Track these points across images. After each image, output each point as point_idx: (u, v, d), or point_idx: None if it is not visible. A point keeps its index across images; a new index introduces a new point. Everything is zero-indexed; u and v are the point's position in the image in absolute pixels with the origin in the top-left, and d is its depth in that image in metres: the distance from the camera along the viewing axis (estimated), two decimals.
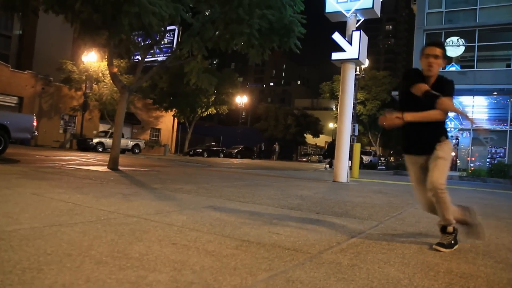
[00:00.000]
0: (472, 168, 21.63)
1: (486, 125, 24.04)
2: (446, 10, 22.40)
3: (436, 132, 2.92)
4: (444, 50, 2.94)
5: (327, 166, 21.61)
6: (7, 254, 1.93)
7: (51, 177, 5.99)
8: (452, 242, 2.80)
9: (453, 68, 22.36)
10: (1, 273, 1.66)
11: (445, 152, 2.84)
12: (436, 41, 2.99)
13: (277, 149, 44.64)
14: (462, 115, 3.11)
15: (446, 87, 2.87)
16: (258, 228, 3.07)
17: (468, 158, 22.67)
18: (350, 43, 9.89)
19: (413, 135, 2.97)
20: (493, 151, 22.56)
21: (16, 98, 28.85)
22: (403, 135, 3.05)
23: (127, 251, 2.14)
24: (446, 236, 2.83)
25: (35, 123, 11.53)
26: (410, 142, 3.01)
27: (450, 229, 2.82)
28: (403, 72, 3.20)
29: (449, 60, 22.42)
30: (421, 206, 3.09)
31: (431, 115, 2.80)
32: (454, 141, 23.55)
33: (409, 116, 2.82)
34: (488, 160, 22.28)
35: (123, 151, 26.92)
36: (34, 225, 2.62)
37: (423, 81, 2.86)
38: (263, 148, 39.19)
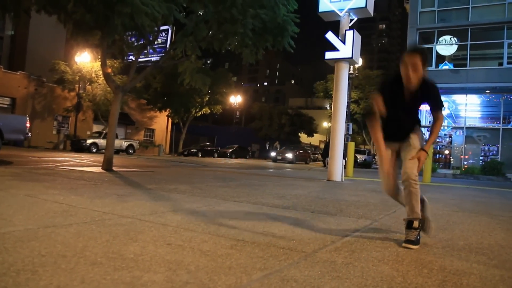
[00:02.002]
0: (466, 166, 21.78)
1: (479, 123, 24.22)
2: (438, 9, 22.52)
3: (413, 123, 3.00)
4: (425, 56, 2.77)
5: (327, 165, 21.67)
6: (1, 256, 1.92)
7: (45, 178, 5.96)
8: (418, 237, 2.81)
9: (446, 67, 22.48)
10: None
11: (418, 141, 2.93)
12: (412, 47, 2.85)
13: (278, 148, 44.61)
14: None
15: (432, 96, 2.89)
16: (253, 227, 3.08)
17: (462, 156, 22.81)
18: (344, 43, 9.92)
19: (395, 126, 2.99)
20: (486, 149, 22.73)
21: (8, 99, 28.65)
22: (385, 124, 3.01)
23: (122, 251, 2.14)
24: (412, 232, 2.82)
25: (28, 124, 11.45)
26: (391, 131, 3.00)
27: (416, 224, 2.82)
28: (382, 80, 3.21)
29: (442, 58, 22.55)
30: (385, 188, 3.07)
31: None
32: (447, 139, 23.70)
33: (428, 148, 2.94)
34: (481, 158, 22.44)
35: (117, 151, 26.82)
36: (28, 227, 2.61)
37: (402, 87, 2.85)
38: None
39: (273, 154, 35.46)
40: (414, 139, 2.96)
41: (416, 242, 2.77)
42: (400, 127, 2.99)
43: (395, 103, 2.92)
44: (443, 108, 2.95)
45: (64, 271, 1.76)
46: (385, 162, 3.00)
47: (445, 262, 2.37)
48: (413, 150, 2.89)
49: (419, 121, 3.09)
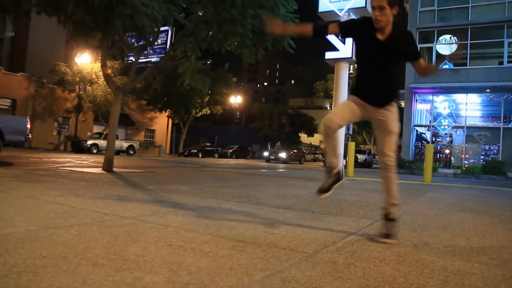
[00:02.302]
0: (466, 165, 21.78)
1: (480, 123, 24.22)
2: (438, 8, 22.53)
3: (389, 82, 2.82)
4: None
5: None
6: (2, 257, 1.92)
7: (45, 179, 5.96)
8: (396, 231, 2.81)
9: (446, 66, 22.49)
10: None
11: (396, 125, 2.85)
12: None
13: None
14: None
15: (408, 41, 2.77)
16: (253, 228, 3.08)
17: (462, 156, 22.82)
18: (344, 42, 9.93)
19: (367, 81, 2.86)
20: (486, 148, 22.73)
21: (9, 100, 28.69)
22: (357, 78, 2.94)
23: (123, 253, 2.14)
24: (391, 223, 2.83)
25: (28, 126, 11.47)
26: (362, 87, 2.89)
27: (396, 215, 2.84)
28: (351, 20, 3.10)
29: (442, 58, 22.54)
30: (330, 123, 2.86)
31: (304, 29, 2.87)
32: (448, 138, 23.70)
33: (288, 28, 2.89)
34: (482, 157, 22.45)
35: (118, 152, 26.83)
36: (29, 228, 2.61)
37: (375, 31, 2.73)
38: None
39: (265, 154, 34.43)
40: (391, 117, 2.83)
41: (395, 235, 2.76)
42: (374, 82, 2.82)
43: (366, 51, 2.80)
44: (421, 55, 2.81)
45: (66, 272, 1.76)
46: (340, 111, 2.94)
47: (446, 262, 2.37)
48: (392, 136, 2.83)
49: (397, 85, 2.94)
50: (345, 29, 2.96)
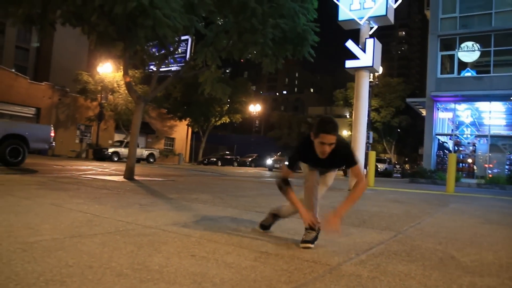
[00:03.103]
0: (490, 175, 21.25)
1: (504, 131, 23.63)
2: (460, 15, 22.18)
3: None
4: (338, 133, 2.79)
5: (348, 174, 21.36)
6: (30, 265, 1.96)
7: (69, 187, 6.07)
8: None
9: (468, 74, 22.10)
10: (26, 285, 1.69)
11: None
12: (329, 128, 2.73)
13: None
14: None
15: (349, 156, 3.00)
16: (275, 239, 3.06)
17: (486, 165, 22.29)
18: (364, 51, 9.86)
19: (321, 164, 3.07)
20: (511, 157, 22.17)
21: (34, 109, 29.43)
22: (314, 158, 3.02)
23: (147, 263, 2.15)
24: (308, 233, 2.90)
25: (52, 134, 11.73)
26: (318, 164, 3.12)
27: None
28: (298, 144, 3.18)
29: (464, 65, 22.18)
30: (309, 184, 3.25)
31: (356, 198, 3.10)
32: (471, 147, 23.21)
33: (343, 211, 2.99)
34: (506, 167, 21.87)
35: (138, 160, 27.14)
36: (55, 236, 2.65)
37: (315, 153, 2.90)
38: None
39: (269, 162, 32.22)
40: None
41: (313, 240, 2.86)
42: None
43: (312, 163, 3.13)
44: (357, 162, 2.99)
45: (91, 282, 1.78)
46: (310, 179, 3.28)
47: (475, 278, 2.30)
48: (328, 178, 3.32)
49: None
50: (296, 163, 3.26)
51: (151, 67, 16.02)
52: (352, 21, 10.35)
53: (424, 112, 22.73)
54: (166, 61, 10.46)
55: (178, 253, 2.41)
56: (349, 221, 4.27)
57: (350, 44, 10.05)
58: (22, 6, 7.83)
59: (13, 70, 30.02)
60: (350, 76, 11.33)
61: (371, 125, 30.45)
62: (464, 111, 23.29)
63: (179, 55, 21.08)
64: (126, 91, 21.51)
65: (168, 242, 2.71)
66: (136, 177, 9.12)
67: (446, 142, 24.01)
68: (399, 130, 42.67)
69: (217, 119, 39.37)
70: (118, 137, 33.42)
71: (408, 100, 27.11)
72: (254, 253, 2.53)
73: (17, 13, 7.98)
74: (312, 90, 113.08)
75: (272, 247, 2.74)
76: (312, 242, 2.84)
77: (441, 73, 22.52)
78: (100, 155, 26.54)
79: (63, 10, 8.14)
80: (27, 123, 17.77)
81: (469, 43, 22.00)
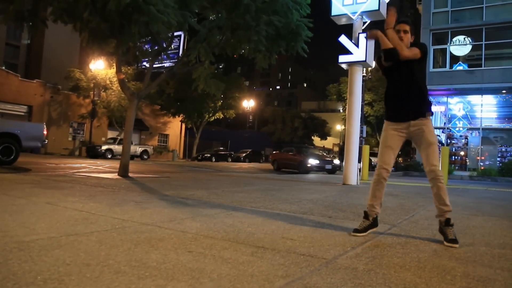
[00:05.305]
0: (482, 168, 21.45)
1: (496, 124, 23.84)
2: (452, 9, 22.28)
3: (421, 101, 3.14)
4: (412, 27, 3.25)
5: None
6: (27, 265, 1.96)
7: (63, 185, 6.05)
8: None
9: (460, 67, 22.23)
10: (24, 284, 1.69)
11: (433, 136, 3.09)
12: (404, 19, 3.29)
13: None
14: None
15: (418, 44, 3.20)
16: (272, 234, 3.08)
17: (478, 158, 22.48)
18: (357, 46, 9.87)
19: (398, 101, 3.17)
20: (503, 150, 22.39)
21: (25, 107, 29.18)
22: (387, 100, 3.29)
23: (145, 260, 2.17)
24: (451, 228, 2.98)
25: (45, 132, 11.65)
26: (394, 107, 3.22)
27: (452, 220, 3.01)
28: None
29: (456, 59, 22.29)
30: (381, 169, 3.30)
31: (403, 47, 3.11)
32: (463, 140, 23.39)
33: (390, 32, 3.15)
34: (498, 159, 22.09)
35: (132, 157, 27.03)
36: (51, 235, 2.65)
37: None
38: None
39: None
40: (428, 128, 3.10)
41: (456, 239, 2.92)
42: (404, 96, 3.14)
43: (392, 74, 3.23)
44: (423, 50, 3.14)
45: (90, 280, 1.79)
46: (385, 156, 3.28)
47: (468, 268, 2.34)
48: (432, 146, 3.06)
49: (429, 103, 3.20)
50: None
51: (144, 63, 15.95)
52: (345, 15, 10.34)
53: None
54: (160, 58, 10.41)
55: (175, 250, 2.42)
56: (344, 215, 4.31)
57: (343, 39, 10.05)
58: (13, 3, 7.75)
59: (3, 67, 29.71)
60: (343, 71, 11.34)
61: (364, 119, 30.52)
62: (456, 105, 23.44)
63: (172, 51, 20.96)
64: (119, 88, 21.41)
65: (164, 238, 2.72)
66: (130, 174, 9.11)
67: (439, 135, 24.16)
68: None
69: (210, 115, 39.26)
70: (111, 134, 33.25)
71: None
72: (251, 248, 2.55)
73: (8, 10, 7.91)
74: (305, 85, 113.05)
75: (268, 242, 2.76)
76: (457, 240, 2.93)
77: (433, 67, 22.63)
78: (93, 152, 26.42)
79: (55, 7, 8.07)
80: (19, 121, 17.62)
81: (461, 37, 22.11)
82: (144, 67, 17.67)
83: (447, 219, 3.00)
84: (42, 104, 30.08)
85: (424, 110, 3.10)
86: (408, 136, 3.20)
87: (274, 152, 22.69)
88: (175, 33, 10.36)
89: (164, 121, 40.68)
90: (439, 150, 18.76)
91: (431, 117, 3.19)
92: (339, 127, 57.25)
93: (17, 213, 3.42)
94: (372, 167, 26.76)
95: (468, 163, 22.85)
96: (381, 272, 2.17)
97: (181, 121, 40.54)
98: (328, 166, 19.02)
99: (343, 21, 10.55)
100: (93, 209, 3.84)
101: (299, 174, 16.74)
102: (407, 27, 3.21)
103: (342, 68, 10.84)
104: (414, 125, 3.11)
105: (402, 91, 3.15)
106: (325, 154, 25.92)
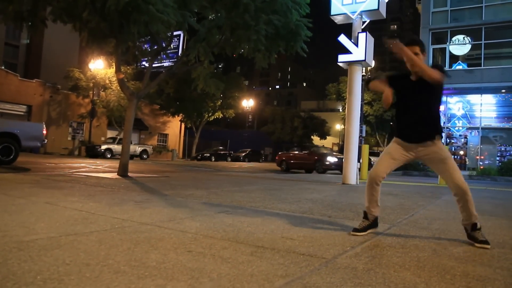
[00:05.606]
0: (482, 167, 21.46)
1: (495, 123, 23.86)
2: (451, 8, 22.29)
3: (434, 126, 3.11)
4: (422, 46, 3.09)
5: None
6: (27, 264, 1.96)
7: (63, 185, 6.05)
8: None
9: (459, 67, 22.24)
10: (23, 284, 1.69)
11: (445, 151, 3.09)
12: (413, 39, 3.15)
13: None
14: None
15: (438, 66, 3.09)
16: (271, 233, 3.08)
17: (477, 157, 22.49)
18: (357, 45, 9.88)
19: (409, 120, 3.14)
20: (502, 149, 22.39)
21: (25, 106, 29.15)
22: (399, 119, 3.26)
23: (144, 259, 2.16)
24: (478, 232, 3.02)
25: (44, 131, 11.65)
26: (406, 128, 3.17)
27: (479, 224, 3.04)
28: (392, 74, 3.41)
29: (455, 58, 22.30)
30: (375, 175, 3.25)
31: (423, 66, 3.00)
32: (462, 140, 23.39)
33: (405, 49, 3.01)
34: (497, 158, 22.10)
35: (131, 157, 27.03)
36: (50, 235, 2.65)
37: (409, 80, 3.13)
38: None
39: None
40: (437, 146, 3.07)
41: (487, 240, 2.97)
42: (416, 119, 3.10)
43: (405, 94, 3.16)
44: (442, 72, 3.02)
45: (89, 279, 1.79)
46: (382, 162, 3.23)
47: (467, 268, 2.34)
48: (449, 160, 3.06)
49: (440, 127, 3.16)
50: (392, 85, 3.27)
51: (144, 63, 15.97)
52: (344, 15, 10.35)
53: None
54: (159, 57, 10.41)
55: (175, 249, 2.42)
56: (343, 215, 4.31)
57: (342, 38, 10.06)
58: (13, 3, 7.75)
59: (2, 67, 29.68)
60: (343, 70, 11.35)
61: (364, 119, 30.52)
62: (455, 104, 23.45)
63: (171, 51, 20.96)
64: (118, 88, 21.39)
65: (164, 238, 2.72)
66: (130, 174, 9.11)
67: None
68: (391, 123, 42.82)
69: (210, 114, 39.26)
70: (110, 134, 33.23)
71: None
72: (251, 248, 2.55)
73: (7, 10, 7.90)
74: (304, 84, 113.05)
75: (268, 242, 2.76)
76: (487, 241, 2.96)
77: None
78: (93, 152, 26.41)
79: (54, 7, 8.06)
80: (19, 121, 17.60)
81: (460, 37, 22.13)
82: (143, 66, 17.69)
83: (474, 224, 3.03)
84: (41, 103, 30.06)
85: (434, 134, 3.08)
86: (415, 157, 3.21)
87: (280, 152, 22.75)
88: (175, 33, 10.34)
89: (164, 120, 40.66)
90: None
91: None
92: (338, 126, 57.22)
93: (17, 213, 3.42)
94: (371, 167, 26.76)
95: (467, 163, 22.86)
96: (381, 271, 2.18)
97: (181, 121, 40.54)
98: None
99: (343, 20, 10.56)
100: (93, 209, 3.84)
101: (308, 174, 16.73)
102: (417, 49, 3.06)
103: (342, 68, 10.85)
104: (422, 146, 3.10)
105: (416, 115, 3.11)
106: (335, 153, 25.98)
